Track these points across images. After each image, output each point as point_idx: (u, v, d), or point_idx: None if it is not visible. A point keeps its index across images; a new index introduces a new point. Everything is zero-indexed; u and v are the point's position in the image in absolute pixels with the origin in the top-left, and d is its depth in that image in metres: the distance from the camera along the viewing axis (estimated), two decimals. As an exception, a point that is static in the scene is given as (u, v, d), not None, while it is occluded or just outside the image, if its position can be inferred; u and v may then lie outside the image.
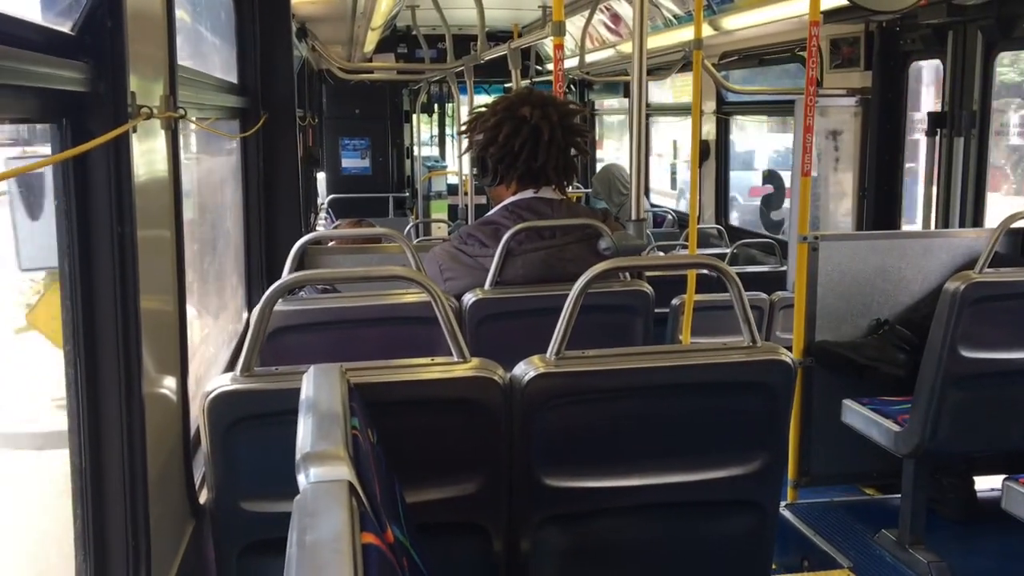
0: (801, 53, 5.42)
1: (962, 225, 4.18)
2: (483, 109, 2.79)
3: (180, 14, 1.95)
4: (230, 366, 2.76)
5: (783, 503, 3.43)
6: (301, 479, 1.12)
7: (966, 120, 4.14)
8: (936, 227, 4.34)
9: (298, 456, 1.16)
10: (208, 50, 3.21)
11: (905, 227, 4.93)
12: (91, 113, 1.37)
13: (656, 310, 2.77)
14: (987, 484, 3.32)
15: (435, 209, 10.30)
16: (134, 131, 1.42)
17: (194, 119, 2.09)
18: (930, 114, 4.35)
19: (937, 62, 4.42)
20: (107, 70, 1.37)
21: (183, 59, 2.05)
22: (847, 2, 3.44)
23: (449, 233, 7.40)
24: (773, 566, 2.10)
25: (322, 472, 1.12)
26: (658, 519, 1.90)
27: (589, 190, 9.17)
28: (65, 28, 1.35)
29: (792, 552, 3.25)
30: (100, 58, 1.37)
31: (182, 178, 1.77)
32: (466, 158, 2.93)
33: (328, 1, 4.88)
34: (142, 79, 1.53)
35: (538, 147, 2.64)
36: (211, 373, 2.79)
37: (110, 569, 1.49)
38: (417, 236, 7.16)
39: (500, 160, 2.67)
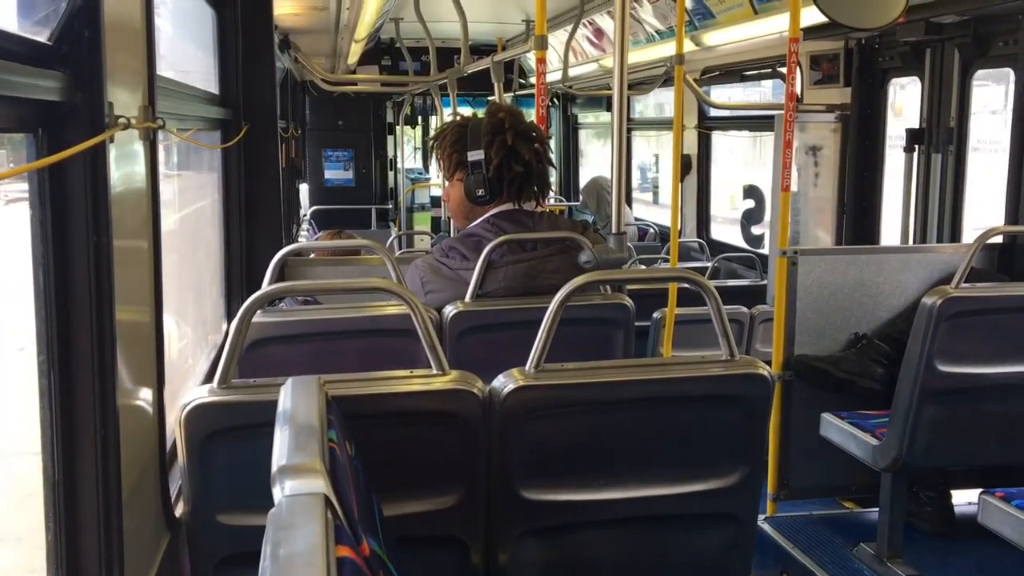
0: (782, 69, 5.47)
1: (939, 240, 4.22)
2: (462, 125, 2.75)
3: (160, 24, 1.94)
4: (208, 378, 2.74)
5: (762, 516, 3.43)
6: (276, 492, 1.11)
7: (943, 136, 4.18)
8: (914, 242, 4.38)
9: (274, 469, 1.15)
10: (189, 61, 3.20)
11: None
12: (67, 123, 1.37)
13: (638, 323, 2.78)
14: (964, 498, 3.34)
15: (418, 221, 10.30)
16: (111, 141, 1.41)
17: (174, 130, 2.08)
18: (908, 130, 4.39)
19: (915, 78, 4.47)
20: (84, 80, 1.36)
21: (163, 70, 2.04)
22: (826, 19, 3.47)
23: (432, 245, 7.39)
24: (752, 578, 2.11)
25: (297, 485, 1.11)
26: (637, 532, 1.90)
27: (575, 203, 9.21)
28: (42, 38, 1.35)
29: (771, 565, 3.25)
30: (77, 68, 1.36)
31: (160, 189, 1.76)
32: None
33: (311, 13, 4.88)
34: (120, 89, 1.52)
35: (543, 162, 2.72)
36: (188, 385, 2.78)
37: None
38: (400, 248, 7.15)
39: (514, 177, 2.66)
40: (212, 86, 3.33)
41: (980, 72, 4.08)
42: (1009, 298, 2.85)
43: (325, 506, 1.04)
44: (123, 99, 1.53)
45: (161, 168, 2.84)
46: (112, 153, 1.45)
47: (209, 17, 3.33)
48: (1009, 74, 3.77)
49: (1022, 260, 3.51)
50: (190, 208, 3.52)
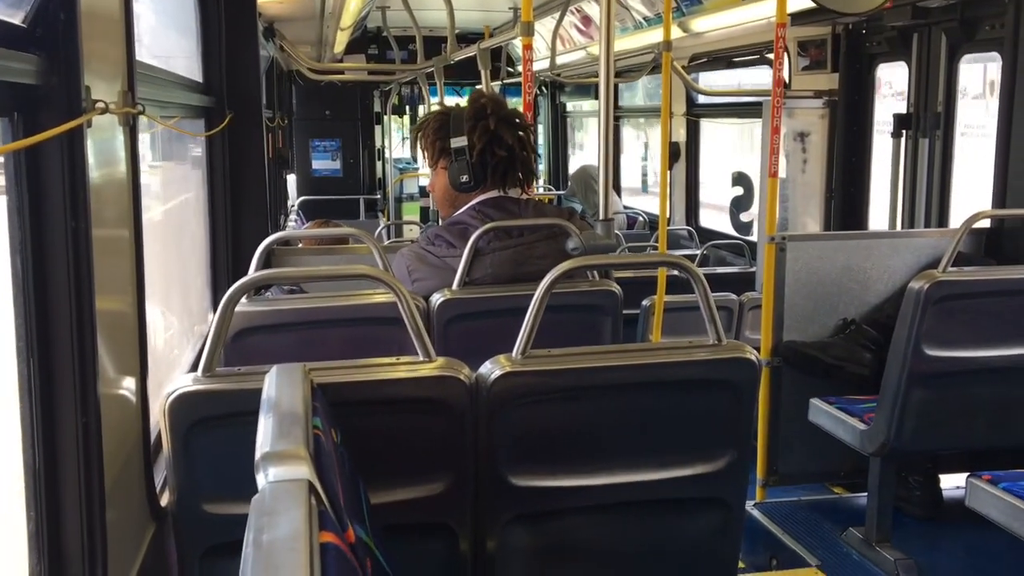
0: (769, 55, 5.46)
1: (927, 225, 4.22)
2: (444, 113, 2.74)
3: (140, 10, 1.92)
4: (193, 367, 2.73)
5: (752, 502, 3.44)
6: (260, 478, 1.11)
7: (930, 121, 4.19)
8: (902, 227, 4.39)
9: (257, 456, 1.14)
10: (171, 48, 3.17)
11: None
12: (43, 107, 1.35)
13: (628, 311, 2.77)
14: (952, 482, 3.36)
15: (407, 211, 10.26)
16: (88, 126, 1.39)
17: (155, 117, 2.06)
18: (896, 115, 4.39)
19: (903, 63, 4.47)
20: (60, 63, 1.34)
21: (143, 56, 2.02)
22: (813, 4, 3.46)
23: (420, 235, 7.35)
24: (741, 564, 2.11)
25: (281, 471, 1.10)
26: (625, 517, 1.90)
27: (563, 192, 9.19)
28: (16, 20, 1.33)
29: (761, 550, 3.26)
30: (52, 51, 1.34)
31: (140, 175, 1.74)
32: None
33: (296, 1, 4.84)
34: (98, 74, 1.50)
35: (527, 148, 2.70)
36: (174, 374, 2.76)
37: (66, 573, 1.46)
38: (388, 238, 7.13)
39: (498, 162, 2.65)
40: (195, 73, 3.30)
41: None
42: (996, 282, 2.86)
43: (309, 492, 1.03)
44: (101, 84, 1.51)
45: (147, 156, 2.82)
46: (90, 139, 1.43)
47: (191, 3, 3.30)
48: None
49: (1009, 244, 3.52)
50: (175, 197, 3.49)
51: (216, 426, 1.63)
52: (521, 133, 2.71)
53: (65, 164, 1.36)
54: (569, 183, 8.77)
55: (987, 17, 3.81)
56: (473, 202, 2.71)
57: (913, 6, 3.94)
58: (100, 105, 1.42)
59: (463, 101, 2.93)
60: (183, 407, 1.60)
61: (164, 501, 1.86)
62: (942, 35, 4.07)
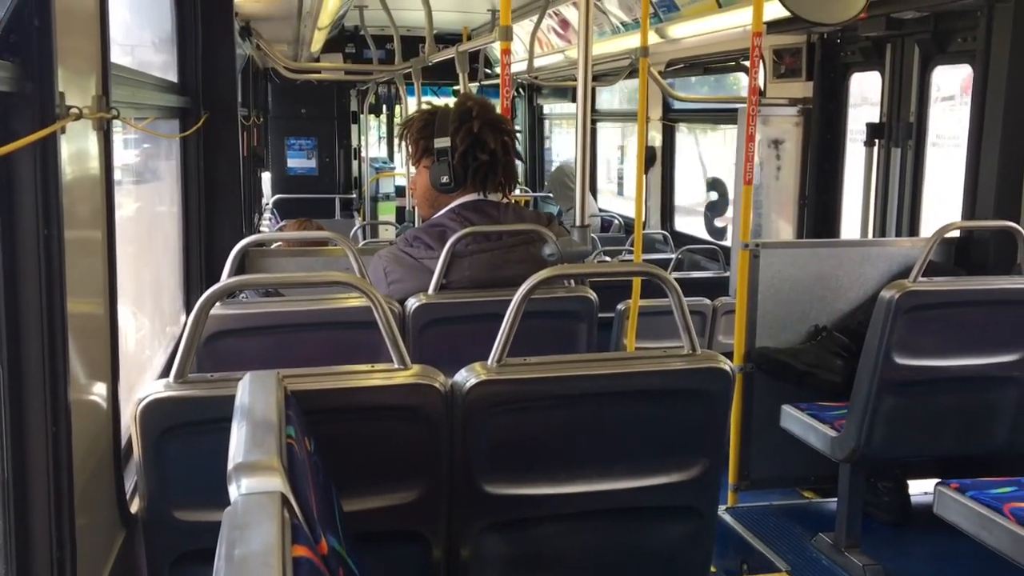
0: (745, 62, 5.50)
1: (898, 234, 4.27)
2: (431, 113, 2.75)
3: (115, 9, 1.89)
4: (165, 372, 2.70)
5: (723, 507, 3.46)
6: (232, 490, 1.10)
7: (903, 131, 4.23)
8: (873, 236, 4.43)
9: (230, 466, 1.13)
10: (146, 48, 3.14)
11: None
12: (16, 114, 1.33)
13: (602, 314, 2.78)
14: (920, 488, 3.40)
15: (383, 211, 10.23)
16: (62, 132, 1.38)
17: (130, 120, 2.04)
18: (868, 124, 4.44)
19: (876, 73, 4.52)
20: (34, 70, 1.33)
21: (118, 57, 2.00)
22: (789, 13, 3.49)
23: (397, 236, 7.33)
24: (712, 569, 2.12)
25: (254, 483, 1.10)
26: (598, 525, 1.90)
27: (539, 194, 9.21)
28: (-11, 27, 1.31)
29: (731, 555, 3.29)
30: (26, 57, 1.32)
31: (114, 179, 1.72)
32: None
33: (273, 0, 4.81)
34: (72, 79, 1.48)
35: (510, 153, 2.71)
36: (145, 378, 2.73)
37: None
38: (364, 238, 7.10)
39: (479, 166, 2.65)
40: (171, 74, 3.27)
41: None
42: (965, 292, 2.90)
43: (282, 505, 1.03)
44: (75, 88, 1.50)
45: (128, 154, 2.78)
46: (64, 144, 1.41)
47: (167, 2, 3.27)
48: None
49: (978, 254, 3.57)
50: (149, 194, 3.46)
51: (188, 433, 1.61)
52: (506, 138, 2.70)
53: (38, 171, 1.35)
54: (546, 183, 8.78)
55: (959, 30, 3.86)
56: (453, 204, 2.71)
57: (887, 17, 3.98)
58: (74, 111, 1.41)
59: (440, 102, 2.94)
60: (154, 414, 1.59)
61: (134, 508, 1.84)
62: (915, 46, 4.12)
